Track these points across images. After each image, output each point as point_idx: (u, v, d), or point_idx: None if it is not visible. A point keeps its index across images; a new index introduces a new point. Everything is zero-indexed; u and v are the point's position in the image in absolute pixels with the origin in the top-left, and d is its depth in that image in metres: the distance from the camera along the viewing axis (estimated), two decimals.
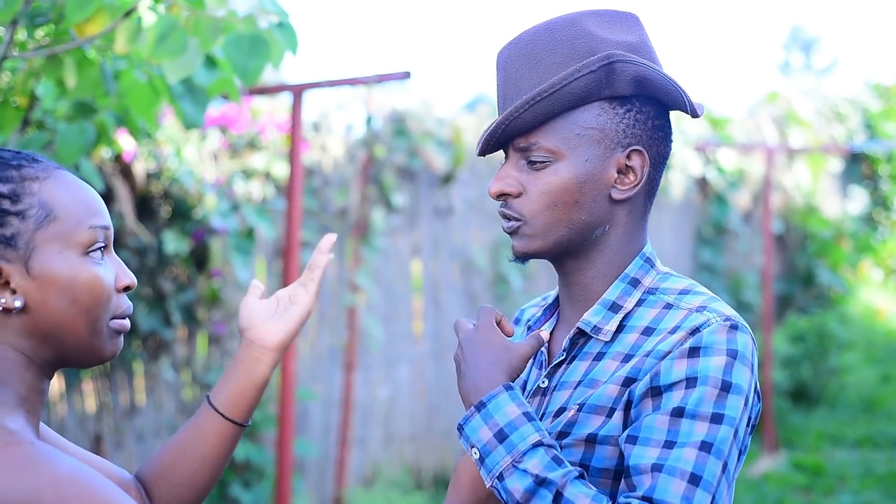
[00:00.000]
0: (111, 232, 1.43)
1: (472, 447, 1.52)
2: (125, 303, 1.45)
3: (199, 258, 4.84)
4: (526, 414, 1.51)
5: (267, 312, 1.72)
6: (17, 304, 1.33)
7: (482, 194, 7.05)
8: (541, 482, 1.44)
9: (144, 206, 4.65)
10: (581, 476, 1.47)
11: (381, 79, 3.94)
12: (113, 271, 1.42)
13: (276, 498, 4.45)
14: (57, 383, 4.44)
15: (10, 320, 1.34)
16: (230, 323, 5.12)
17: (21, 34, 2.75)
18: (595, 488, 1.47)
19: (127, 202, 4.38)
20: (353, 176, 5.94)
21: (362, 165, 5.98)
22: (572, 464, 1.53)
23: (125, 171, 4.50)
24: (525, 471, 1.46)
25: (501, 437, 1.49)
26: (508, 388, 1.53)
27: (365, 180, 5.98)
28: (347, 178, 5.93)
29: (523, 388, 1.75)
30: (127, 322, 1.46)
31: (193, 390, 5.06)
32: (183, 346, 4.98)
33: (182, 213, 4.66)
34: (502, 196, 1.64)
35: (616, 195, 1.62)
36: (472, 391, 1.55)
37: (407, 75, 3.87)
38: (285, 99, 5.52)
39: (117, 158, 4.45)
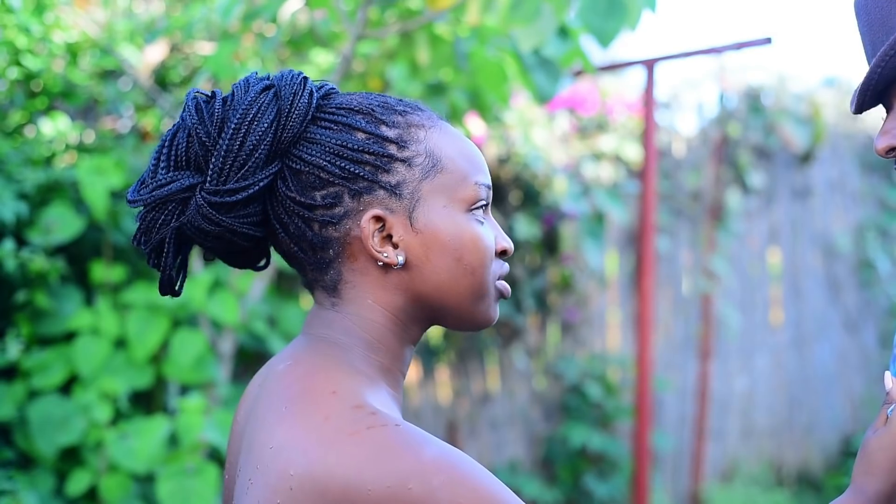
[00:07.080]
0: (491, 192, 1.32)
1: None
2: (504, 266, 1.35)
3: (549, 243, 4.76)
4: None
5: None
6: (400, 259, 1.24)
7: (844, 174, 6.62)
8: None
9: (495, 191, 4.62)
10: None
11: (739, 46, 3.72)
12: (492, 233, 1.31)
13: (633, 491, 4.31)
14: (414, 372, 4.50)
15: (387, 277, 1.26)
16: (582, 310, 5.02)
17: (373, 14, 2.75)
18: None
19: None
20: (706, 156, 5.71)
21: (716, 145, 5.72)
22: None
23: None
24: None
25: None
26: None
27: (719, 161, 5.72)
28: (700, 158, 5.70)
29: None
30: (508, 286, 1.35)
31: (546, 379, 5.00)
32: (535, 334, 4.93)
33: (532, 197, 4.60)
34: (892, 151, 1.38)
35: None
36: None
37: (768, 41, 3.64)
38: (634, 78, 5.37)
39: None
